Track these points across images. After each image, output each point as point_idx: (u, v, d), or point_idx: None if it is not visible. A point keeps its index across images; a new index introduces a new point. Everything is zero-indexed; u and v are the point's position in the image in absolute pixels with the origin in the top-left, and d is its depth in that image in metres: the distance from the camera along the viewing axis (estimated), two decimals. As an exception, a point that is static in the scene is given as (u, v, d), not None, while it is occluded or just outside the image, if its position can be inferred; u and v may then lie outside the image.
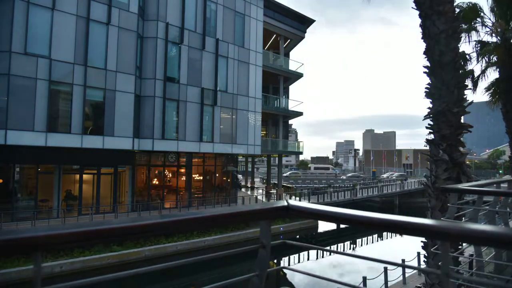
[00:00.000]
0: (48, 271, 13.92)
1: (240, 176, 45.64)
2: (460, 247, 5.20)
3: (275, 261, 17.64)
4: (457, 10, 8.15)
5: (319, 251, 20.74)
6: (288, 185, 39.16)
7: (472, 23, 12.12)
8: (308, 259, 20.48)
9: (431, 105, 7.10)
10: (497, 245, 1.56)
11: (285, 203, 1.42)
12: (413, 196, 39.13)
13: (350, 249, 24.32)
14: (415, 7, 7.29)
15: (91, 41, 19.34)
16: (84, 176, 20.68)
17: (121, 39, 20.45)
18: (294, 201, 1.46)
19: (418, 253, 13.60)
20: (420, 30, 7.28)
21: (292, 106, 34.32)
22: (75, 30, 18.91)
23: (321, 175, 67.77)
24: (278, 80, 32.30)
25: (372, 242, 26.00)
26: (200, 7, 24.31)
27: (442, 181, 6.61)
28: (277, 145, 32.27)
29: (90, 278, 1.16)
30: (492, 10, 12.31)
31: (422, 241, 6.93)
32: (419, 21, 7.29)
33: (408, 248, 16.80)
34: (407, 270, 12.71)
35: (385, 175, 65.73)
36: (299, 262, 19.95)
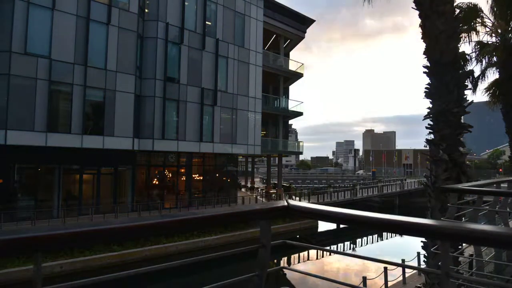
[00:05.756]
0: (48, 271, 13.91)
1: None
2: (460, 247, 5.20)
3: (275, 261, 17.63)
4: (457, 10, 8.14)
5: (319, 251, 20.74)
6: (288, 185, 39.15)
7: (472, 24, 12.11)
8: (308, 259, 20.48)
9: (431, 105, 7.10)
10: (497, 245, 1.56)
11: (285, 203, 1.43)
12: (413, 196, 39.12)
13: (350, 249, 24.31)
14: (415, 7, 7.29)
15: (91, 41, 19.32)
16: (84, 176, 20.67)
17: (121, 39, 20.44)
18: (294, 201, 1.46)
19: (418, 253, 13.59)
20: (420, 30, 7.28)
21: (292, 106, 34.36)
22: (75, 30, 18.90)
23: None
24: (278, 80, 32.30)
25: (372, 242, 26.00)
26: (200, 7, 24.31)
27: (442, 181, 6.61)
28: (277, 145, 32.26)
29: (90, 278, 1.16)
30: (492, 10, 12.30)
31: (422, 241, 6.93)
32: (419, 20, 7.29)
33: (408, 248, 16.79)
34: (407, 270, 12.70)
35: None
36: (299, 262, 19.94)
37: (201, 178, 26.27)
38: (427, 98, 7.15)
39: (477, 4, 11.82)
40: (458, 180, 6.52)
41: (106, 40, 19.96)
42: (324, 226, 27.79)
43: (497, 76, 13.01)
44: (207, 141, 24.30)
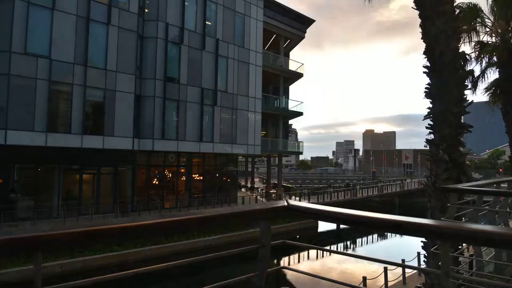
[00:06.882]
0: (48, 271, 13.90)
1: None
2: (460, 247, 5.20)
3: (275, 261, 17.63)
4: (457, 10, 8.14)
5: (319, 251, 20.74)
6: (288, 185, 39.15)
7: (472, 24, 12.11)
8: (308, 259, 20.48)
9: (431, 105, 7.09)
10: (497, 245, 1.56)
11: (285, 203, 1.43)
12: (413, 196, 39.10)
13: (350, 249, 24.31)
14: (415, 7, 7.29)
15: (91, 41, 19.32)
16: (84, 176, 20.66)
17: (121, 39, 20.43)
18: (294, 201, 1.46)
19: (418, 253, 13.58)
20: (420, 30, 7.28)
21: (292, 106, 34.35)
22: (75, 30, 18.89)
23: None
24: (278, 80, 32.29)
25: (372, 242, 25.99)
26: (200, 7, 24.30)
27: (442, 181, 6.60)
28: (277, 145, 32.25)
29: (90, 278, 1.16)
30: (492, 10, 12.30)
31: (422, 241, 6.93)
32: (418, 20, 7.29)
33: (408, 248, 16.79)
34: (407, 270, 12.69)
35: None
36: (299, 262, 19.94)
37: (201, 178, 26.26)
38: (427, 98, 7.15)
39: (477, 4, 11.84)
40: (458, 180, 6.51)
41: (106, 40, 19.95)
42: (324, 226, 27.78)
43: (497, 75, 13.02)
44: (207, 141, 24.29)
